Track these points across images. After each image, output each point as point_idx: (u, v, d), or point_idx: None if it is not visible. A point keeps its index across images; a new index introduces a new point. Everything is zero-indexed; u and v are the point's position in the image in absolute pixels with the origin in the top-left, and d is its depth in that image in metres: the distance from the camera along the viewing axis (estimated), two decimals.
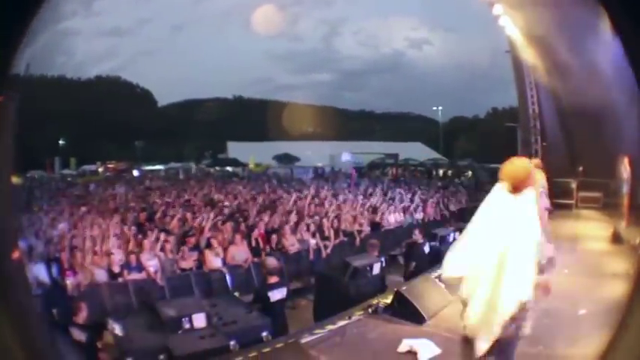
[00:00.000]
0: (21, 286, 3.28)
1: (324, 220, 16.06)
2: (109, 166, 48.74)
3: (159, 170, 50.97)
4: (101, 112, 55.52)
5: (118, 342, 7.47)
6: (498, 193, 4.84)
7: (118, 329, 7.53)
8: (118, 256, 11.42)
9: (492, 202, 4.89)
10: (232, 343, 7.13)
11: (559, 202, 18.91)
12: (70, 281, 10.60)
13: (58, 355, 4.15)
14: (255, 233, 14.21)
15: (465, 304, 5.00)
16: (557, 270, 10.51)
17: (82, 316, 8.08)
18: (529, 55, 19.77)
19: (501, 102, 62.43)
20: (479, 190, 27.07)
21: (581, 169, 14.38)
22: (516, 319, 4.67)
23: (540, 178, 11.06)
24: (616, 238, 13.77)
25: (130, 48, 69.54)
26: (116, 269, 11.14)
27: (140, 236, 12.84)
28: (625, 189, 15.70)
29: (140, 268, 11.41)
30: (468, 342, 5.02)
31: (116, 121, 58.02)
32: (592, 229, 15.63)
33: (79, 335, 7.67)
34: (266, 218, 15.64)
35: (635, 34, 2.75)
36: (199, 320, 7.71)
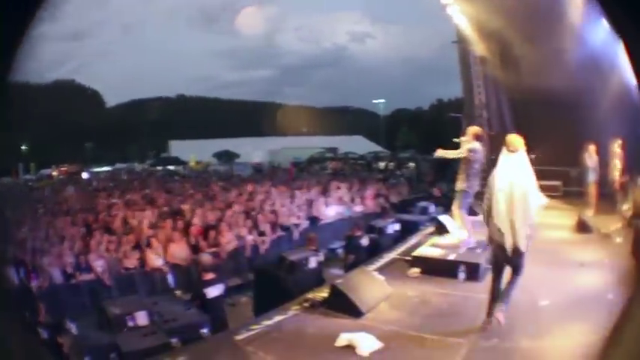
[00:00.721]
0: None
1: (260, 216, 16.15)
2: (62, 169, 49.13)
3: (106, 171, 51.19)
4: (57, 116, 55.73)
5: (75, 341, 7.73)
6: (504, 155, 7.52)
7: (73, 328, 7.82)
8: (69, 258, 11.77)
9: (503, 159, 7.52)
10: (174, 340, 7.19)
11: None
12: (33, 283, 10.92)
13: (30, 354, 4.01)
14: (193, 231, 14.34)
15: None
16: None
17: (43, 316, 8.60)
18: (478, 45, 19.47)
19: (447, 94, 63.42)
20: (421, 182, 26.92)
21: (533, 157, 13.95)
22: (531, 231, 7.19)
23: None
24: (582, 227, 13.49)
25: (85, 51, 69.79)
26: (69, 270, 11.50)
27: (88, 237, 13.15)
28: (591, 177, 15.51)
29: (89, 268, 11.69)
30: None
31: (69, 125, 58.51)
32: (552, 218, 15.33)
33: (44, 335, 8.04)
34: (203, 215, 15.73)
35: (635, 34, 2.88)
36: (142, 318, 7.75)
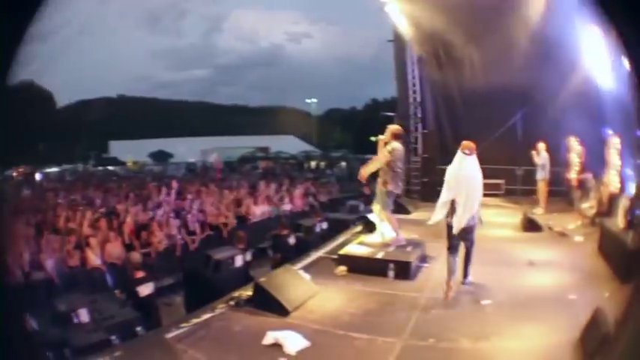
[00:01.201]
0: None
1: (189, 215, 16.79)
2: (20, 170, 48.22)
3: (54, 172, 52.59)
4: (19, 117, 54.86)
5: (35, 336, 7.63)
6: (460, 156, 9.09)
7: (33, 324, 7.85)
8: (25, 257, 12.39)
9: (459, 159, 9.13)
10: (113, 337, 7.44)
11: None
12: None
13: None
14: (126, 230, 14.89)
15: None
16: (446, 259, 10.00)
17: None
18: (415, 44, 19.42)
19: (382, 94, 63.73)
20: (353, 181, 26.97)
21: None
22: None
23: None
24: (529, 225, 13.46)
25: (45, 52, 68.95)
26: (26, 269, 12.15)
27: (39, 237, 13.71)
28: (540, 175, 15.56)
29: (40, 267, 12.28)
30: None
31: (27, 126, 58.15)
32: (494, 217, 15.30)
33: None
34: (135, 215, 16.41)
35: (635, 34, 2.99)
36: (83, 315, 7.96)
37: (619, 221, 10.30)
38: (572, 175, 15.01)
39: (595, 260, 10.07)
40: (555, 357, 6.02)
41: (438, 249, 11.05)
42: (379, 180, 11.04)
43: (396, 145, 10.78)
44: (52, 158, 60.46)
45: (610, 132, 13.14)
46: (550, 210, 15.50)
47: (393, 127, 11.18)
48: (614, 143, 12.59)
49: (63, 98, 76.29)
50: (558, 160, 15.44)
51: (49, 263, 12.17)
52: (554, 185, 16.23)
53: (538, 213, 15.11)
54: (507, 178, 19.56)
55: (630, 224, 9.70)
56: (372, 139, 13.35)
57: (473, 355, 6.31)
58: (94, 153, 68.87)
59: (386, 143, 10.97)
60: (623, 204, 10.58)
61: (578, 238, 12.12)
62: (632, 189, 11.83)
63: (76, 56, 73.95)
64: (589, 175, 14.41)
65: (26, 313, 8.19)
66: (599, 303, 6.24)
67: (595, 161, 13.98)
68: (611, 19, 3.32)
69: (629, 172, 12.37)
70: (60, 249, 12.90)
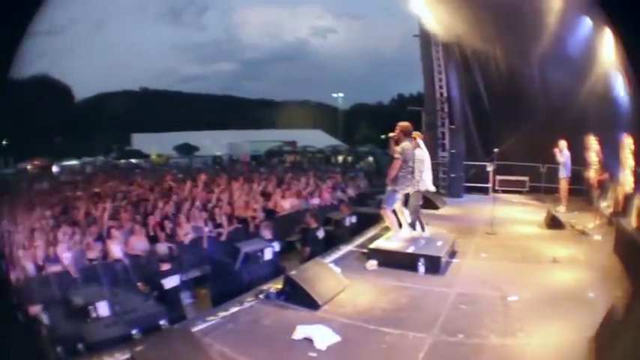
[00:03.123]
0: None
1: (217, 208, 16.31)
2: (35, 163, 49.38)
3: (74, 165, 51.62)
4: (33, 110, 55.07)
5: (47, 332, 7.85)
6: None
7: (45, 319, 8.03)
8: (40, 250, 11.95)
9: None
10: (135, 331, 7.27)
11: (473, 185, 18.69)
12: (12, 276, 10.58)
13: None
14: (152, 222, 14.41)
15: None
16: (473, 254, 9.89)
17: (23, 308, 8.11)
18: (440, 39, 19.27)
19: (408, 89, 63.41)
20: (380, 176, 26.79)
21: (496, 150, 13.82)
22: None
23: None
24: (553, 223, 13.36)
25: (58, 47, 68.84)
26: (40, 262, 11.67)
27: (56, 229, 13.21)
28: (562, 173, 15.41)
29: (57, 260, 11.76)
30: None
31: (43, 119, 58.09)
32: (517, 213, 15.27)
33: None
34: (161, 207, 16.00)
35: (635, 34, 3.01)
36: (103, 308, 7.78)
37: (632, 221, 10.14)
38: (591, 174, 14.84)
39: (612, 259, 9.94)
40: (578, 355, 5.96)
41: (465, 245, 10.96)
42: (388, 177, 10.90)
43: (406, 145, 10.62)
44: (70, 151, 60.33)
45: (625, 133, 12.96)
46: (571, 208, 15.36)
47: (402, 124, 10.93)
48: (628, 143, 12.42)
49: (81, 91, 76.45)
50: (580, 159, 15.26)
51: (67, 256, 11.83)
52: (576, 184, 16.05)
53: (561, 211, 14.96)
54: (532, 176, 19.37)
55: None
56: (382, 137, 13.23)
57: (501, 351, 6.23)
58: (116, 146, 68.77)
59: (397, 141, 10.78)
60: (636, 204, 10.50)
61: (597, 237, 12.03)
62: None
63: (94, 50, 74.10)
64: (607, 175, 14.23)
65: (36, 307, 8.48)
66: (612, 301, 6.17)
67: (612, 161, 13.78)
68: (611, 18, 3.30)
69: None
70: (79, 241, 12.69)
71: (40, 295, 10.13)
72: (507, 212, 15.53)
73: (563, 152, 15.63)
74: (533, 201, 17.90)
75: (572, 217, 14.20)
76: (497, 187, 18.30)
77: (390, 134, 10.92)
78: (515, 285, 8.54)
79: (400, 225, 11.30)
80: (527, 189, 19.70)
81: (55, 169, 46.87)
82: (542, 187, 19.13)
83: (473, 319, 7.05)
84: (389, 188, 10.80)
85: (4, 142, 51.73)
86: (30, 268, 11.38)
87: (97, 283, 11.00)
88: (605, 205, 13.99)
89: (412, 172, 10.82)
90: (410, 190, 11.08)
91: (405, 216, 11.42)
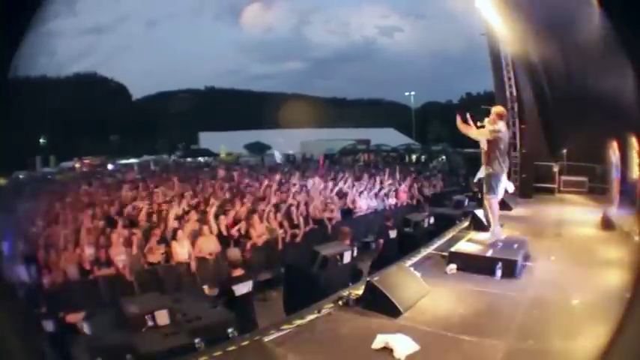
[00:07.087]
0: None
1: (293, 208, 15.62)
2: (85, 161, 48.44)
3: (133, 164, 49.87)
4: (79, 108, 55.31)
5: (87, 340, 7.46)
6: None
7: (86, 327, 7.68)
8: (89, 252, 11.28)
9: None
10: (197, 340, 6.79)
11: (540, 185, 18.54)
12: (45, 280, 10.44)
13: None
14: (223, 223, 13.80)
15: None
16: (543, 257, 9.86)
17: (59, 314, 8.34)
18: (508, 38, 19.18)
19: (476, 87, 62.52)
20: (454, 175, 26.62)
21: (564, 151, 13.74)
22: None
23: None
24: (607, 224, 13.24)
25: (107, 45, 69.45)
26: (87, 266, 11.00)
27: (109, 230, 12.55)
28: (615, 173, 15.21)
29: (109, 263, 11.18)
30: None
31: (93, 117, 58.19)
32: (578, 214, 15.15)
33: (51, 333, 7.76)
34: (234, 207, 15.25)
35: (635, 34, 2.79)
36: (162, 317, 7.41)
37: None
38: (635, 173, 14.62)
39: None
40: None
41: (536, 247, 10.95)
42: (483, 160, 10.62)
43: (500, 126, 10.39)
44: (128, 149, 60.34)
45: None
46: (623, 208, 15.17)
47: (498, 108, 10.76)
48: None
49: (139, 90, 76.96)
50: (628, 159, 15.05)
51: (121, 259, 11.26)
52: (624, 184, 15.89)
53: (613, 211, 14.80)
54: (591, 176, 19.16)
55: None
56: (480, 125, 13.02)
57: (564, 356, 6.27)
58: (181, 144, 68.61)
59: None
60: None
61: (638, 238, 11.90)
62: None
63: (147, 50, 74.34)
64: None
65: (76, 314, 8.36)
66: None
67: None
68: (611, 19, 3.29)
69: None
70: (139, 243, 11.96)
71: (82, 301, 9.79)
72: (570, 213, 15.56)
73: (616, 153, 15.46)
74: (591, 202, 17.70)
75: (622, 217, 14.04)
76: (561, 188, 18.20)
77: (486, 119, 10.63)
78: (577, 288, 8.51)
79: (489, 223, 11.22)
80: (586, 189, 19.47)
81: (110, 167, 46.10)
82: (599, 188, 18.92)
83: (543, 325, 7.07)
84: (486, 172, 10.62)
85: (41, 141, 51.75)
86: (72, 271, 10.90)
87: (156, 287, 10.67)
88: None
89: (504, 155, 10.60)
90: (503, 172, 10.71)
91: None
